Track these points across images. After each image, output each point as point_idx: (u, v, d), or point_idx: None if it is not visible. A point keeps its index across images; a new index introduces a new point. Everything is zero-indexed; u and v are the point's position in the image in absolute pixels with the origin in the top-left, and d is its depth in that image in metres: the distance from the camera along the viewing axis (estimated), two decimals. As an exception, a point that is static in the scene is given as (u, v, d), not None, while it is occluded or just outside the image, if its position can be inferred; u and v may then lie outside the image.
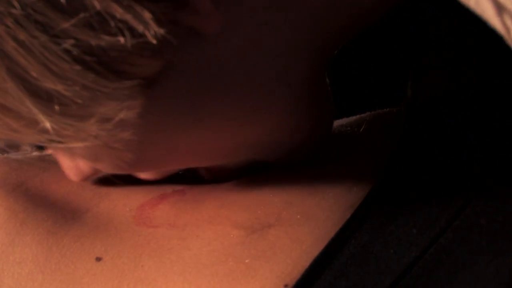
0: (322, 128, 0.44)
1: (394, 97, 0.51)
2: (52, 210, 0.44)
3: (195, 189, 0.45)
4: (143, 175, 0.44)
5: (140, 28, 0.31)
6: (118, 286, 0.40)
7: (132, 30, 0.31)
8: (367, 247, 0.38)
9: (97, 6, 0.30)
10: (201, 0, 0.32)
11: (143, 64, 0.33)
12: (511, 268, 0.35)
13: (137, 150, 0.37)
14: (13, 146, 0.50)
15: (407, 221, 0.39)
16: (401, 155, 0.43)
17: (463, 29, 0.46)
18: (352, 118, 0.51)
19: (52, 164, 0.48)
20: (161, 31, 0.31)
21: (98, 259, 0.41)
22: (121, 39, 0.31)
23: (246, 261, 0.39)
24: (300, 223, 0.41)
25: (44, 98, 0.32)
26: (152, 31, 0.31)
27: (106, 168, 0.40)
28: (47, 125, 0.32)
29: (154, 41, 0.31)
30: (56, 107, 0.32)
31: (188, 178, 0.47)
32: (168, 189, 0.45)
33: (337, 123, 0.50)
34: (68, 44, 0.30)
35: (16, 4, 0.30)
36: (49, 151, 0.51)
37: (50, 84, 0.31)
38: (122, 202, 0.44)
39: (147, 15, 0.31)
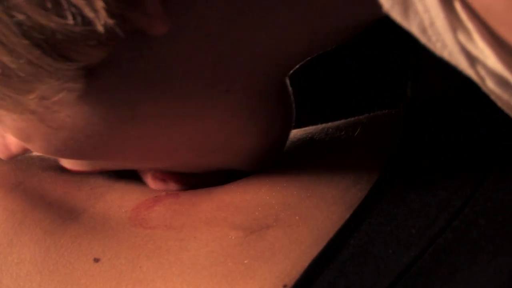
0: (271, 138, 0.45)
1: (394, 98, 0.52)
2: (50, 210, 0.44)
3: (190, 191, 0.45)
4: (68, 165, 0.45)
5: (91, 15, 0.31)
6: (116, 287, 0.40)
7: (83, 16, 0.31)
8: (366, 247, 0.38)
9: None
10: (152, 2, 0.33)
11: (88, 52, 0.33)
12: (510, 268, 0.35)
13: (68, 136, 0.38)
14: None
15: (406, 221, 0.39)
16: (399, 156, 0.43)
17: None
18: (350, 120, 0.51)
19: (50, 164, 0.48)
20: (110, 22, 0.32)
21: (96, 260, 0.41)
22: (71, 23, 0.32)
23: (245, 261, 0.39)
24: (298, 224, 0.41)
25: None
26: (102, 20, 0.32)
27: (35, 149, 0.40)
28: None
29: (102, 30, 0.32)
30: None
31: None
32: (161, 191, 0.45)
33: (335, 124, 0.50)
34: (20, 18, 0.31)
35: None
36: None
37: None
38: (117, 204, 0.44)
39: (99, 4, 0.31)
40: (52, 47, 0.33)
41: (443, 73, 0.46)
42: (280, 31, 0.38)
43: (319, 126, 0.51)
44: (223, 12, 0.36)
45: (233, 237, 0.40)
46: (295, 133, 0.51)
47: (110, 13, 0.32)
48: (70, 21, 0.32)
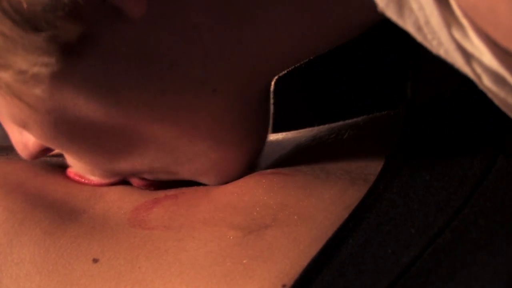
0: (246, 150, 0.45)
1: (393, 99, 0.52)
2: (50, 211, 0.44)
3: (187, 193, 0.45)
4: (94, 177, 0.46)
5: None
6: (116, 287, 0.40)
7: None
8: (365, 247, 0.38)
9: None
10: None
11: (59, 25, 0.34)
12: (510, 269, 0.35)
13: (59, 119, 0.39)
14: (13, 148, 0.50)
15: (405, 221, 0.39)
16: (398, 156, 0.43)
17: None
18: (349, 121, 0.51)
19: (50, 165, 0.48)
20: None
21: (95, 260, 0.41)
22: None
23: (244, 261, 0.39)
24: (297, 223, 0.40)
25: None
26: None
27: (35, 136, 0.41)
28: None
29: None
30: None
31: (179, 184, 0.47)
32: (160, 194, 0.45)
33: (334, 125, 0.51)
34: None
35: None
36: None
37: None
38: (117, 205, 0.45)
39: None
40: (23, 18, 0.33)
41: (442, 73, 0.46)
42: (269, 29, 0.39)
43: (314, 128, 0.51)
44: (210, 3, 0.36)
45: (231, 237, 0.40)
46: (294, 134, 0.51)
47: None
48: None
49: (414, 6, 0.31)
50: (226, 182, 0.46)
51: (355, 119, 0.51)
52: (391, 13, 0.33)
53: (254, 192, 0.43)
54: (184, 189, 0.46)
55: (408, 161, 0.43)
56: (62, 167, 0.48)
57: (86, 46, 0.36)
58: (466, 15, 0.31)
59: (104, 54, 0.37)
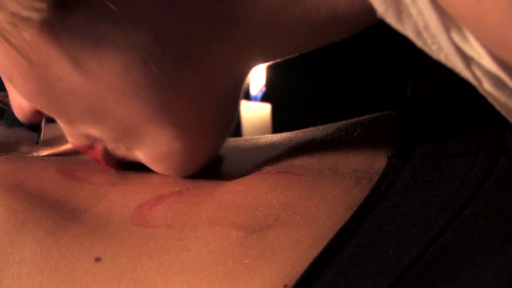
0: (213, 138, 0.46)
1: (394, 99, 0.52)
2: (51, 210, 0.44)
3: (192, 190, 0.45)
4: (72, 140, 0.46)
5: None
6: (117, 286, 0.40)
7: None
8: (366, 248, 0.38)
9: None
10: None
11: None
12: (511, 269, 0.35)
13: (42, 75, 0.40)
14: (13, 147, 0.50)
15: (407, 222, 0.39)
16: (400, 156, 0.43)
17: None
18: (351, 121, 0.51)
19: (51, 164, 0.48)
20: None
21: (97, 259, 0.41)
22: None
23: (245, 261, 0.39)
24: (299, 224, 0.40)
25: None
26: None
27: (18, 90, 0.42)
28: None
29: None
30: None
31: (184, 179, 0.47)
32: (165, 190, 0.45)
33: (336, 125, 0.51)
34: None
35: None
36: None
37: None
38: (120, 203, 0.45)
39: None
40: None
41: (442, 73, 0.46)
42: (257, 18, 0.39)
43: (320, 127, 0.51)
44: None
45: (234, 237, 0.40)
46: (296, 134, 0.51)
47: None
48: None
49: (413, 11, 0.31)
50: (178, 175, 0.46)
51: (358, 118, 0.51)
52: (390, 19, 0.33)
53: (259, 191, 0.43)
54: (189, 185, 0.46)
55: (410, 161, 0.43)
56: (61, 166, 0.48)
57: (77, 1, 0.37)
58: None
59: (93, 12, 0.37)
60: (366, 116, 0.51)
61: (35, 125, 0.51)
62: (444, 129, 0.45)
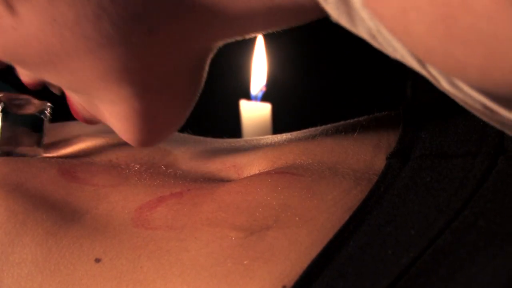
0: (174, 106, 0.45)
1: (393, 100, 0.52)
2: (52, 211, 0.44)
3: (193, 191, 0.45)
4: (24, 77, 0.46)
5: None
6: (117, 287, 0.40)
7: None
8: (365, 249, 0.38)
9: None
10: None
11: None
12: (509, 270, 0.35)
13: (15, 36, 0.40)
14: (16, 149, 0.50)
15: (406, 223, 0.39)
16: (399, 157, 0.44)
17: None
18: (350, 121, 0.51)
19: (52, 165, 0.48)
20: None
21: (97, 260, 0.41)
22: None
23: (245, 262, 0.39)
24: (298, 225, 0.41)
25: None
26: None
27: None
28: None
29: None
30: None
31: (185, 180, 0.47)
32: (166, 191, 0.45)
33: (335, 125, 0.51)
34: None
35: None
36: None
37: None
38: (121, 205, 0.45)
39: None
40: None
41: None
42: None
43: (320, 128, 0.51)
44: None
45: (233, 238, 0.41)
46: (296, 135, 0.51)
47: None
48: None
49: (365, 16, 0.31)
50: (147, 145, 0.47)
51: (357, 119, 0.51)
52: (345, 23, 0.33)
53: (258, 192, 0.43)
54: (190, 186, 0.46)
55: (409, 162, 0.43)
56: (62, 167, 0.48)
57: None
58: None
59: None
60: (366, 117, 0.51)
61: (39, 126, 0.51)
62: (443, 130, 0.45)
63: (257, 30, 0.44)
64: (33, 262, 0.42)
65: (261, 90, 0.88)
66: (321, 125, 0.52)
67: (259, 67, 0.87)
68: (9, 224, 0.43)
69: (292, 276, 0.38)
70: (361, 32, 0.33)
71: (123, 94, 0.43)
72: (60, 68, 0.42)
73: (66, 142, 0.53)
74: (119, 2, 0.38)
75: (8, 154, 0.50)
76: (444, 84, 0.33)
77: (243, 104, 0.89)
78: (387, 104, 0.52)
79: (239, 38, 0.45)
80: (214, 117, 1.07)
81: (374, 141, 0.47)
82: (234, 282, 0.39)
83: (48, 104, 0.51)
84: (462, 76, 0.30)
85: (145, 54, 0.41)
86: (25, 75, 0.46)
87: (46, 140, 0.52)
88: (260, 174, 0.46)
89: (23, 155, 0.50)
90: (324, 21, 0.38)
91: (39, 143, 0.51)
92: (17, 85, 0.49)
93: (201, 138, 0.56)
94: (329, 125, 0.51)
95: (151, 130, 0.45)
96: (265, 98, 0.89)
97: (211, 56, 0.45)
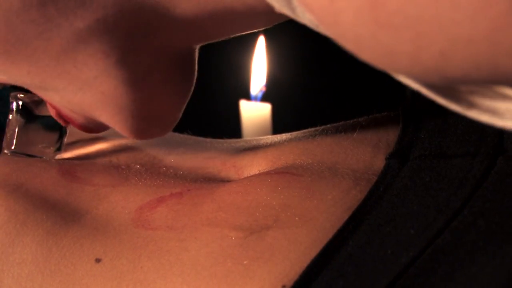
0: (154, 105, 0.45)
1: (393, 100, 0.52)
2: (52, 211, 0.44)
3: (193, 191, 0.45)
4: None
5: None
6: (117, 287, 0.40)
7: None
8: (364, 248, 0.38)
9: None
10: None
11: None
12: (509, 269, 0.35)
13: None
14: (30, 147, 0.50)
15: (405, 222, 0.39)
16: (398, 157, 0.44)
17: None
18: (350, 122, 0.51)
19: (52, 165, 0.48)
20: None
21: (98, 260, 0.42)
22: None
23: (244, 262, 0.39)
24: (298, 225, 0.41)
25: None
26: None
27: None
28: None
29: None
30: None
31: (185, 180, 0.47)
32: (166, 191, 0.45)
33: (335, 126, 0.51)
34: None
35: None
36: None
37: None
38: (121, 205, 0.45)
39: None
40: None
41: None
42: None
43: (319, 128, 0.51)
44: None
45: (233, 238, 0.41)
46: (296, 135, 0.51)
47: None
48: None
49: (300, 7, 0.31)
50: (139, 137, 0.47)
51: (356, 120, 0.51)
52: (287, 12, 0.33)
53: (258, 191, 0.43)
54: (190, 186, 0.46)
55: (408, 162, 0.43)
56: (62, 167, 0.48)
57: None
58: None
59: None
60: (365, 117, 0.51)
61: (58, 128, 0.51)
62: (442, 131, 0.45)
63: (220, 34, 0.44)
64: (33, 262, 0.42)
65: (261, 90, 0.88)
66: (321, 125, 0.52)
67: (259, 67, 0.87)
68: (10, 224, 0.43)
69: (292, 276, 0.38)
70: (305, 21, 0.33)
71: (89, 77, 0.42)
72: (18, 60, 0.41)
73: (66, 142, 0.53)
74: None
75: (24, 154, 0.50)
76: (400, 77, 0.33)
77: (243, 104, 0.89)
78: (386, 104, 0.52)
79: (210, 41, 0.45)
80: (214, 117, 1.07)
81: (374, 141, 0.47)
82: (234, 282, 0.39)
83: None
84: (393, 65, 0.30)
85: (93, 40, 0.41)
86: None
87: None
88: (260, 174, 0.46)
89: (40, 157, 0.50)
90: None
91: (57, 145, 0.51)
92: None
93: (201, 138, 0.56)
94: (328, 125, 0.51)
95: (145, 120, 0.45)
96: (265, 98, 0.89)
97: (194, 55, 0.45)
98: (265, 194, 0.43)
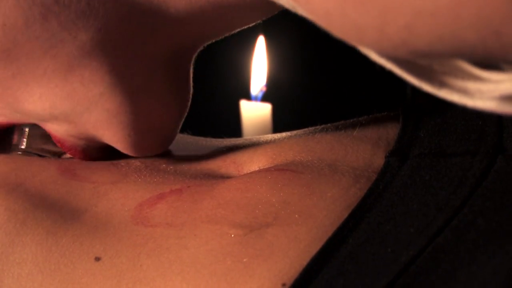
0: (152, 122, 0.46)
1: (393, 99, 0.52)
2: (51, 210, 0.44)
3: (192, 188, 0.45)
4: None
5: None
6: (117, 285, 0.40)
7: None
8: (364, 246, 0.38)
9: None
10: None
11: None
12: (509, 268, 0.35)
13: None
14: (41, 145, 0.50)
15: (405, 221, 0.39)
16: (398, 156, 0.44)
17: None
18: (350, 121, 0.51)
19: (51, 163, 0.48)
20: None
21: (97, 258, 0.42)
22: None
23: (244, 260, 0.39)
24: (298, 222, 0.41)
25: None
26: None
27: None
28: None
29: None
30: None
31: (185, 177, 0.47)
32: (165, 188, 0.45)
33: (335, 125, 0.51)
34: None
35: None
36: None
37: None
38: (120, 202, 0.45)
39: None
40: None
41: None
42: None
43: (320, 127, 0.51)
44: None
45: (233, 235, 0.41)
46: (296, 133, 0.51)
47: None
48: None
49: None
50: (141, 153, 0.47)
51: (356, 119, 0.51)
52: (284, 2, 0.33)
53: (258, 189, 0.43)
54: (190, 183, 0.46)
55: (408, 161, 0.43)
56: (61, 165, 0.48)
57: None
58: None
59: None
60: (365, 116, 0.51)
61: None
62: (442, 129, 0.45)
63: (215, 31, 0.44)
64: (33, 262, 0.42)
65: (261, 90, 0.88)
66: (321, 125, 0.52)
67: (259, 67, 0.87)
68: (10, 224, 0.43)
69: (292, 274, 0.38)
70: (284, 3, 0.33)
71: (95, 95, 0.43)
72: (31, 80, 0.42)
73: None
74: (62, 2, 0.39)
75: (35, 153, 0.50)
76: (373, 56, 0.33)
77: (243, 104, 0.89)
78: (386, 104, 0.52)
79: (207, 41, 0.45)
80: (214, 117, 1.07)
81: (374, 139, 0.47)
82: (233, 280, 0.39)
83: None
84: (361, 40, 0.31)
85: (97, 52, 0.41)
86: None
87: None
88: (260, 171, 0.46)
89: (50, 156, 0.50)
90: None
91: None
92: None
93: (201, 138, 0.56)
94: (329, 124, 0.51)
95: (144, 133, 0.45)
96: (265, 98, 0.89)
97: (190, 61, 0.45)
98: (265, 191, 0.43)
